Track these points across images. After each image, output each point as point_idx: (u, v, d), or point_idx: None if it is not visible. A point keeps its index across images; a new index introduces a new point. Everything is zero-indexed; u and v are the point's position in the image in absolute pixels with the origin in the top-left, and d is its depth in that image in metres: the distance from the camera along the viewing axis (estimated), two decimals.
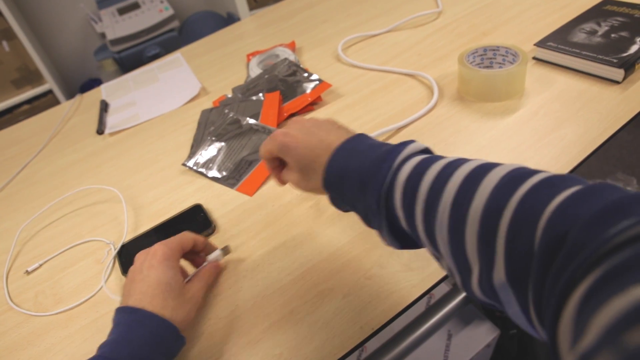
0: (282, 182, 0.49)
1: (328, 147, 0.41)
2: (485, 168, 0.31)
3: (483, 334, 0.96)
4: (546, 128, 0.61)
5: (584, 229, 0.22)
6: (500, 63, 0.71)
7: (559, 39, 0.72)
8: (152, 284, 0.45)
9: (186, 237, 0.51)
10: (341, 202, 0.42)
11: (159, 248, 0.48)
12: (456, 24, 0.90)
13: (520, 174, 0.28)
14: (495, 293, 0.28)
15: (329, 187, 0.41)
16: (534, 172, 0.28)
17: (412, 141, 0.38)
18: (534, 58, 0.73)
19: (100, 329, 0.52)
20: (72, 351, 0.50)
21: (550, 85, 0.68)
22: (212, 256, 0.53)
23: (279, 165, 0.49)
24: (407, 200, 0.34)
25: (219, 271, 0.54)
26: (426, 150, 0.39)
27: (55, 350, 0.51)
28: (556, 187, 0.26)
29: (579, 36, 0.71)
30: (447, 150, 0.62)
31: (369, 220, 0.39)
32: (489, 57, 0.71)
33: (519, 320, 0.27)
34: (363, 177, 0.37)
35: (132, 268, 0.49)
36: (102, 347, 0.42)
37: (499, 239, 0.27)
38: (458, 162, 0.33)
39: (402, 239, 0.38)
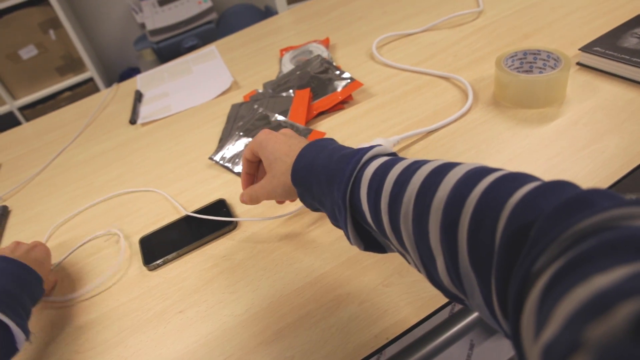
0: (248, 195, 0.50)
1: (300, 146, 0.44)
2: (450, 165, 0.31)
3: (506, 347, 0.93)
4: (586, 139, 0.58)
5: (548, 220, 0.22)
6: (540, 68, 0.67)
7: (607, 43, 0.68)
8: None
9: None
10: (309, 197, 0.42)
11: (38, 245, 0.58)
12: (496, 25, 0.86)
13: (483, 169, 0.29)
14: (460, 282, 0.28)
15: (297, 180, 0.42)
16: (496, 169, 0.29)
17: (379, 145, 0.39)
18: (578, 64, 0.70)
19: (118, 319, 0.53)
20: (91, 337, 0.51)
21: (594, 93, 0.64)
22: None
23: (254, 174, 0.53)
24: (372, 195, 0.35)
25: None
26: (392, 155, 0.39)
27: (75, 335, 0.52)
28: (519, 180, 0.27)
29: (630, 41, 0.67)
30: (479, 158, 0.60)
31: (335, 219, 0.39)
32: (529, 61, 0.68)
33: (482, 312, 0.27)
34: (330, 172, 0.38)
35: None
36: None
37: (462, 227, 0.27)
38: (423, 161, 0.34)
39: (367, 239, 0.39)
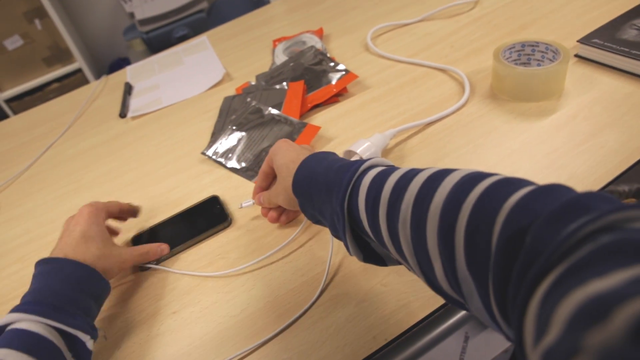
0: (264, 197, 0.53)
1: (304, 155, 0.46)
2: (446, 171, 0.32)
3: (501, 339, 0.93)
4: (585, 133, 0.57)
5: (545, 226, 0.22)
6: (538, 60, 0.66)
7: (606, 35, 0.67)
8: (77, 236, 0.48)
9: (112, 203, 0.55)
10: (310, 207, 0.43)
11: (85, 208, 0.51)
12: (493, 15, 0.85)
13: (479, 174, 0.29)
14: (459, 286, 0.28)
15: (298, 190, 0.44)
16: (492, 174, 0.29)
17: (378, 157, 0.41)
18: (576, 56, 0.69)
19: (110, 321, 0.51)
20: None
21: (592, 86, 0.63)
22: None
23: (265, 187, 0.55)
24: (370, 202, 0.35)
25: (162, 253, 0.55)
26: (390, 166, 0.41)
27: None
28: (514, 185, 0.27)
29: (630, 33, 0.66)
30: (476, 153, 0.59)
31: (335, 229, 0.40)
32: (527, 53, 0.67)
33: (482, 316, 0.27)
34: (329, 181, 0.40)
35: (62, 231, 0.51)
36: (24, 298, 0.43)
37: (458, 232, 0.27)
38: (419, 169, 0.34)
39: (365, 250, 0.40)
